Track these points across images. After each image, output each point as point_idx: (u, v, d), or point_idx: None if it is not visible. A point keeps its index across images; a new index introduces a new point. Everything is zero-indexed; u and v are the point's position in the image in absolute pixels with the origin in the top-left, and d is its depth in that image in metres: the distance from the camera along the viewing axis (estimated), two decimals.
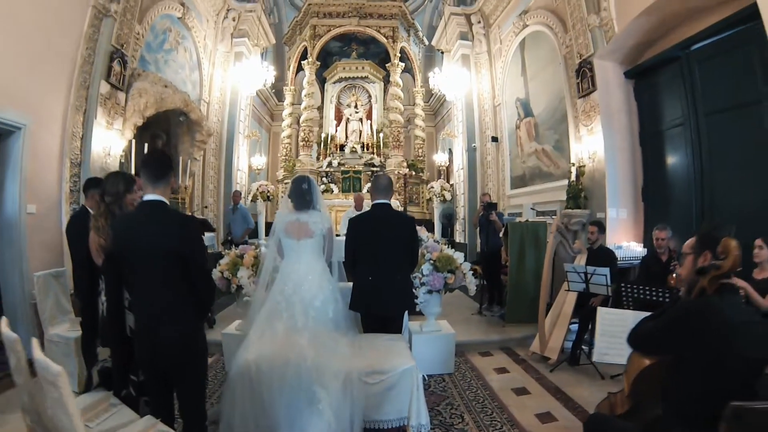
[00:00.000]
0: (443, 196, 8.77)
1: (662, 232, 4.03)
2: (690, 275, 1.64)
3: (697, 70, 4.84)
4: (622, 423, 1.87)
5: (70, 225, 3.21)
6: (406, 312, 3.28)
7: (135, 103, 5.36)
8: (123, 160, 5.37)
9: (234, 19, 8.88)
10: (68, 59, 4.69)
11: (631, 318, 2.41)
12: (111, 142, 5.10)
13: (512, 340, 4.44)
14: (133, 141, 5.55)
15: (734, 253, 1.49)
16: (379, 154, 11.26)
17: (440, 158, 11.94)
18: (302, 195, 2.79)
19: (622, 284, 3.48)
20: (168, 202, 1.81)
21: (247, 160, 10.06)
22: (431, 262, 3.48)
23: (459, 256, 3.57)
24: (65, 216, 4.51)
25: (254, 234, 8.04)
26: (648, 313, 1.86)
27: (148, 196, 1.77)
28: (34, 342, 1.64)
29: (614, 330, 2.59)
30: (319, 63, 11.31)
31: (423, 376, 2.60)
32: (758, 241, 3.13)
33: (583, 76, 5.79)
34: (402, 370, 2.34)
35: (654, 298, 3.25)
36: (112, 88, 5.16)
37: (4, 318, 2.05)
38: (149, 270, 1.76)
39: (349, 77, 12.11)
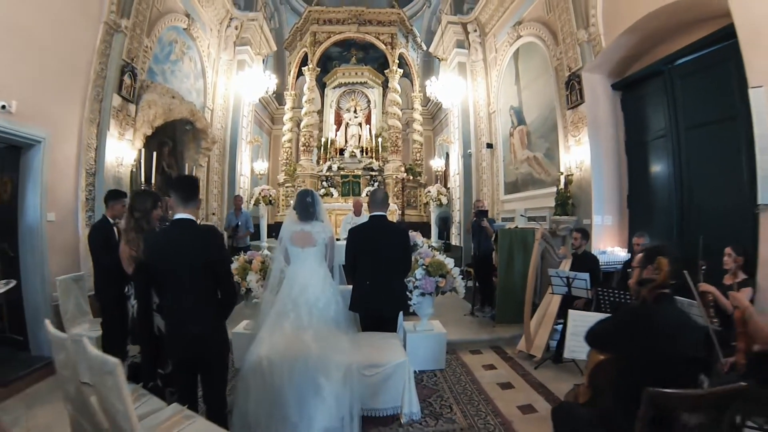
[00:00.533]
0: (440, 200, 9.12)
1: (640, 239, 4.38)
2: (635, 285, 1.98)
3: (679, 84, 5.12)
4: (583, 410, 2.20)
5: (93, 233, 3.53)
6: (401, 313, 3.63)
7: (145, 114, 5.69)
8: (134, 169, 5.70)
9: (236, 28, 9.21)
10: (82, 74, 5.00)
11: (596, 320, 2.74)
12: (123, 152, 5.43)
13: (501, 340, 4.78)
14: (143, 150, 5.88)
15: (665, 269, 1.83)
16: (377, 159, 11.61)
17: (437, 164, 12.32)
18: (306, 208, 3.13)
19: (599, 288, 3.82)
20: (196, 220, 2.15)
21: (250, 165, 10.39)
22: (424, 267, 3.83)
23: (449, 262, 3.91)
24: (81, 223, 4.84)
25: (256, 236, 8.42)
26: (606, 315, 2.20)
27: (179, 215, 2.11)
28: (85, 340, 1.96)
29: (582, 330, 2.91)
30: (319, 69, 11.63)
31: (415, 371, 2.93)
32: (728, 250, 3.45)
33: (572, 88, 6.12)
34: (395, 364, 2.68)
35: (628, 301, 3.58)
36: (124, 100, 5.49)
37: (47, 320, 2.38)
38: (180, 278, 2.10)
39: (349, 83, 12.46)
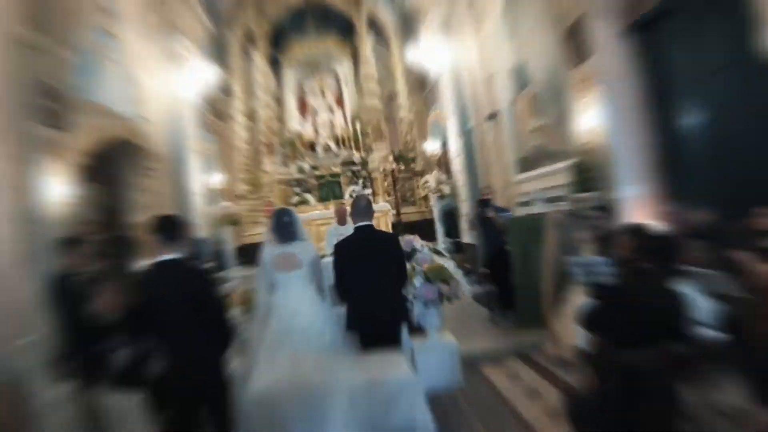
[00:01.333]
0: (441, 190, 9.78)
1: (670, 208, 5.09)
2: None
3: (705, 18, 5.66)
4: (587, 397, 2.93)
5: (55, 288, 4.21)
6: (406, 327, 4.35)
7: (76, 141, 6.39)
8: (74, 207, 6.38)
9: (161, 9, 9.85)
10: None
11: None
12: (57, 190, 6.10)
13: (525, 345, 5.53)
14: (78, 184, 6.57)
15: (626, 246, 2.58)
16: (358, 149, 12.26)
17: (432, 146, 12.97)
18: (285, 228, 3.84)
19: None
20: (182, 257, 2.86)
21: (202, 180, 11.04)
22: (422, 274, 4.56)
23: (450, 265, 4.64)
24: (25, 278, 5.49)
25: (221, 264, 9.10)
26: None
27: (164, 257, 2.82)
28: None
29: None
30: (270, 48, 12.29)
31: (428, 388, 3.63)
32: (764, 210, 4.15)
33: (577, 40, 6.83)
34: (401, 380, 3.39)
35: None
36: (50, 129, 6.13)
37: None
38: (176, 317, 2.81)
39: (310, 59, 13.10)
